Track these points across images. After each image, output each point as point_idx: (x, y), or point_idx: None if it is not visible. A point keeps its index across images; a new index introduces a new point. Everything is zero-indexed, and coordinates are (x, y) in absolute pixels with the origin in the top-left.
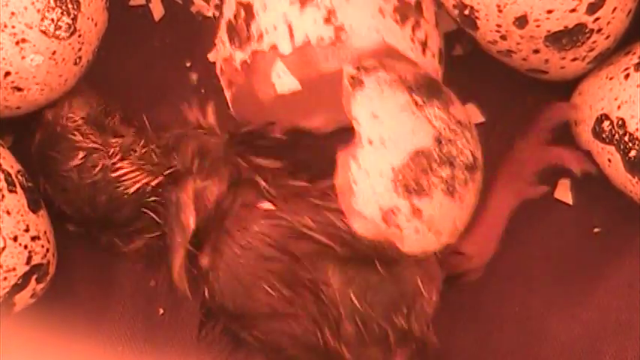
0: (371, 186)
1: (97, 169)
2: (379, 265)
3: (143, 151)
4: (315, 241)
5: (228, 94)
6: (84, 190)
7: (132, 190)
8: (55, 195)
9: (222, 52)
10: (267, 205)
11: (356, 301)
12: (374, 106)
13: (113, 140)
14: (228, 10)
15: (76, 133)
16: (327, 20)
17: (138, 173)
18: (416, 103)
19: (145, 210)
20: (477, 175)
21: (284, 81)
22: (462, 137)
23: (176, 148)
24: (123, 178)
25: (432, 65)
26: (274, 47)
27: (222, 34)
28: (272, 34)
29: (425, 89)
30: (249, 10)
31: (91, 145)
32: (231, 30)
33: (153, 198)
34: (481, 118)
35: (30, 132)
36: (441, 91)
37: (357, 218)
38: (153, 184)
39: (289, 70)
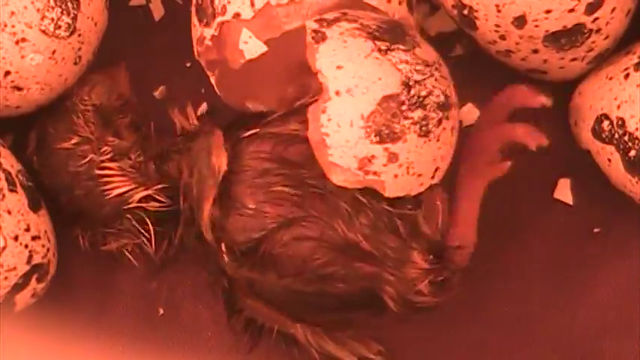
0: (343, 137)
1: (84, 160)
2: None
3: (138, 160)
4: (306, 140)
5: (213, 80)
6: (65, 176)
7: (113, 193)
8: (42, 168)
9: (195, 34)
10: (251, 131)
11: (359, 195)
12: (338, 58)
13: (110, 139)
14: None
15: (80, 115)
16: None
17: (124, 179)
18: (379, 50)
19: (128, 216)
20: (451, 112)
21: (250, 46)
22: (431, 77)
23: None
24: (106, 179)
25: (397, 11)
26: (237, 15)
27: (194, 18)
28: (234, 3)
29: (388, 34)
30: None
31: (87, 134)
32: (198, 10)
33: (136, 206)
34: None
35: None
36: (405, 34)
37: (334, 170)
38: (138, 195)
39: (254, 35)
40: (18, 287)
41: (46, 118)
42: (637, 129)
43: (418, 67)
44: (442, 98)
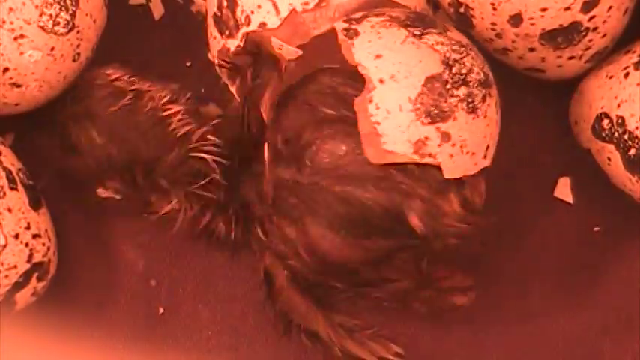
0: (395, 122)
1: (147, 107)
2: None
3: (189, 101)
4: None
5: (233, 89)
6: (136, 128)
7: (182, 131)
8: (106, 140)
9: (216, 46)
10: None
11: None
12: (375, 48)
13: (159, 86)
14: (212, 5)
15: (118, 81)
16: None
17: (187, 116)
18: (414, 35)
19: (192, 155)
20: (492, 90)
21: (284, 53)
22: (468, 56)
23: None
24: (173, 120)
25: (419, 5)
26: (263, 24)
27: (212, 29)
28: (258, 14)
29: (419, 22)
30: None
31: (138, 87)
32: (219, 22)
33: (197, 145)
34: None
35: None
36: (434, 21)
37: (391, 158)
38: (200, 130)
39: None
40: (18, 286)
41: (78, 100)
42: (637, 128)
43: (454, 47)
44: (482, 75)
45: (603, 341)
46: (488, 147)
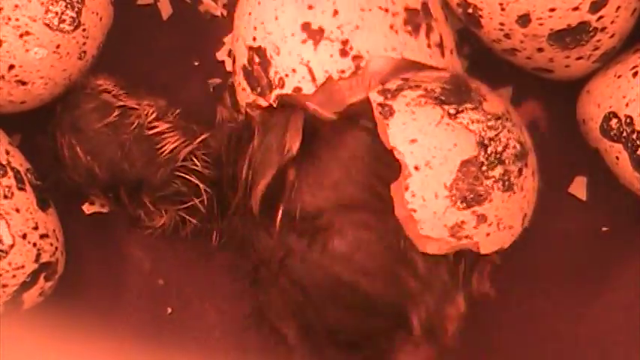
0: (431, 209)
1: (133, 125)
2: None
3: (177, 117)
4: None
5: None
6: (120, 146)
7: (168, 149)
8: (89, 156)
9: (244, 96)
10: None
11: None
12: (409, 131)
13: (146, 102)
14: (241, 56)
15: (107, 94)
16: (343, 52)
17: (173, 134)
18: (449, 114)
19: (179, 174)
20: (528, 159)
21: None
22: (504, 129)
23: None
24: (159, 138)
25: (452, 63)
26: (298, 89)
27: (240, 79)
28: (292, 78)
29: (454, 96)
30: (262, 55)
31: (126, 103)
32: (249, 76)
33: (184, 164)
34: None
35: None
36: (469, 90)
37: (428, 243)
38: (186, 149)
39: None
40: (26, 286)
41: (68, 111)
42: None
43: (490, 123)
44: (518, 148)
45: (610, 341)
46: (525, 215)
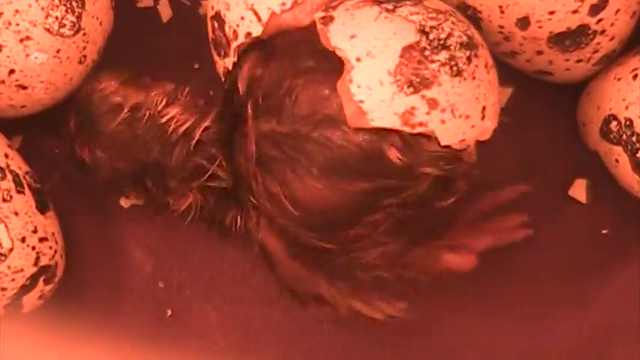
0: (378, 97)
1: (145, 118)
2: None
3: (187, 97)
4: None
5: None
6: (137, 138)
7: (182, 129)
8: (110, 156)
9: (221, 69)
10: None
11: None
12: (349, 29)
13: (153, 93)
14: (209, 32)
15: (115, 95)
16: None
17: (186, 114)
18: (387, 10)
19: (197, 147)
20: (478, 51)
21: None
22: (447, 21)
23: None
24: (171, 122)
25: None
26: (249, 34)
27: (213, 55)
28: (242, 26)
29: None
30: (219, 18)
31: (134, 100)
32: (216, 45)
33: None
34: None
35: (62, 117)
36: None
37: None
38: (203, 125)
39: None
40: (25, 289)
41: (82, 118)
42: None
43: (431, 15)
44: (464, 38)
45: (611, 343)
46: (484, 108)
